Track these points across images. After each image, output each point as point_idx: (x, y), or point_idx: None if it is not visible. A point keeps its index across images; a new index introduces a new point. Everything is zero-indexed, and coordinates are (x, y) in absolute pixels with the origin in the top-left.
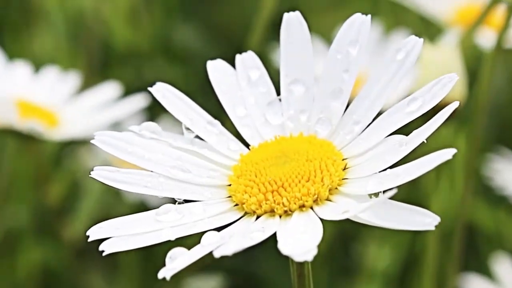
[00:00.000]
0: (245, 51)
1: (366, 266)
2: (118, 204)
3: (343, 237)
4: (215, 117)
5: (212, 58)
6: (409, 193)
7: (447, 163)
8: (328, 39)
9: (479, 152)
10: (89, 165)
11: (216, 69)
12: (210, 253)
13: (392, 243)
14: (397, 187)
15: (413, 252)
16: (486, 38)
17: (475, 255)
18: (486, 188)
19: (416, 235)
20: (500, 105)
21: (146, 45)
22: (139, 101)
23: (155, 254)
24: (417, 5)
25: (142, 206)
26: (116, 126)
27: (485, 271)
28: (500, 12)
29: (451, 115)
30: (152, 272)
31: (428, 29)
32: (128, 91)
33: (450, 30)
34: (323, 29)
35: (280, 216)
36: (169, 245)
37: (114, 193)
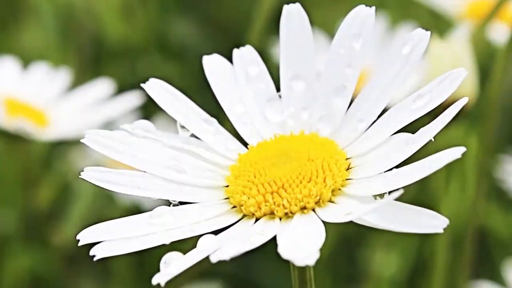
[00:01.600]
0: (244, 46)
1: (372, 272)
2: (111, 207)
3: (347, 242)
4: (213, 116)
5: (208, 53)
6: (418, 196)
7: (458, 164)
8: (331, 33)
9: (491, 153)
10: (80, 166)
11: (212, 64)
12: (207, 258)
13: (399, 249)
14: (404, 188)
15: (422, 258)
16: (499, 33)
17: (487, 262)
18: (499, 191)
19: (424, 240)
20: None
21: (140, 40)
22: (133, 99)
23: (149, 259)
24: None
25: (136, 210)
26: (109, 125)
27: (498, 279)
28: None
29: (460, 113)
30: (146, 279)
31: (438, 23)
32: (122, 89)
33: (461, 25)
34: (326, 23)
35: (280, 219)
36: (163, 249)
37: (106, 196)
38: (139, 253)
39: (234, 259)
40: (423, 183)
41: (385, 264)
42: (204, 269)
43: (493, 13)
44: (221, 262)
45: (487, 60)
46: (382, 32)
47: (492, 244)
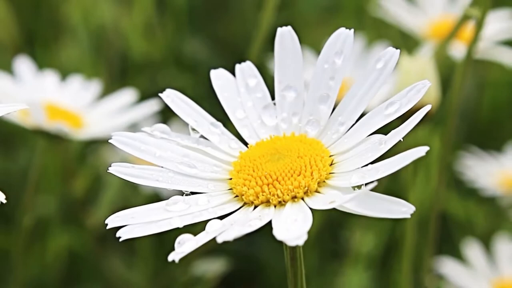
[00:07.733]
0: (245, 61)
1: (352, 250)
2: (135, 196)
3: (332, 225)
4: (220, 120)
5: (216, 67)
6: (389, 186)
7: (423, 159)
8: (318, 50)
9: (452, 149)
10: (110, 161)
11: (218, 77)
12: (214, 239)
13: (375, 230)
14: (378, 180)
15: (394, 237)
16: (458, 50)
17: (448, 241)
18: (458, 181)
19: (396, 223)
20: (469, 108)
21: (160, 56)
22: (153, 105)
23: (167, 240)
24: (397, 21)
25: (156, 197)
26: (133, 127)
27: (457, 255)
28: (469, 27)
29: (426, 117)
30: (165, 256)
31: (407, 42)
32: (143, 97)
33: (426, 43)
34: (314, 42)
35: (275, 206)
36: (178, 232)
37: (131, 186)
38: (158, 234)
39: (237, 239)
40: (394, 175)
41: (363, 242)
42: (211, 247)
43: (453, 33)
44: (225, 242)
45: (447, 72)
46: (360, 49)
47: (452, 226)
